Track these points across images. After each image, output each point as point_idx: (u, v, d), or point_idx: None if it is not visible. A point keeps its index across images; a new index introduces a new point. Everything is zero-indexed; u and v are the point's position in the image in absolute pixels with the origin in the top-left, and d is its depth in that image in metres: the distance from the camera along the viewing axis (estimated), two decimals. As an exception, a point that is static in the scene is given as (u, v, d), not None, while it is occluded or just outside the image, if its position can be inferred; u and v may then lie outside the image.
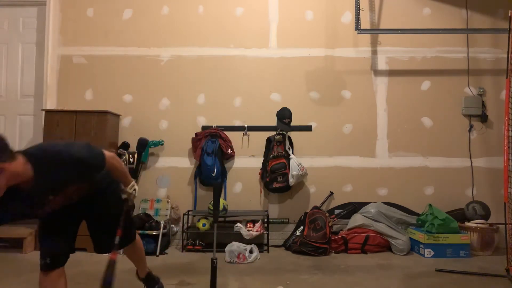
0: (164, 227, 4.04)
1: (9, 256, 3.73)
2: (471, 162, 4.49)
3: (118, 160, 2.12)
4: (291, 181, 4.19)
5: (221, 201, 4.05)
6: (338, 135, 4.53)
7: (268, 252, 4.01)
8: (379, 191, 4.48)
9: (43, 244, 2.06)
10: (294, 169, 4.18)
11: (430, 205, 4.06)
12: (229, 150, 4.40)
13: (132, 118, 4.53)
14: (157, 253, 3.85)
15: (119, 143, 4.45)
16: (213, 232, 4.13)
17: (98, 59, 4.58)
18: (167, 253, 3.97)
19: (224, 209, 4.11)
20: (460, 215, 4.18)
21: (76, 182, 1.95)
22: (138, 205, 4.30)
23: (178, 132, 4.47)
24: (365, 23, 4.56)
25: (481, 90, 4.53)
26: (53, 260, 2.03)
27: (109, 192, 2.23)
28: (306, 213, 4.23)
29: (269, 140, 4.42)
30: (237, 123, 4.53)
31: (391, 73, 4.58)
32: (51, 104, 4.50)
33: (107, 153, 1.99)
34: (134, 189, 2.20)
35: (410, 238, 4.02)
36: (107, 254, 2.18)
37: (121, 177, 2.18)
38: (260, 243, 4.05)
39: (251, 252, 3.69)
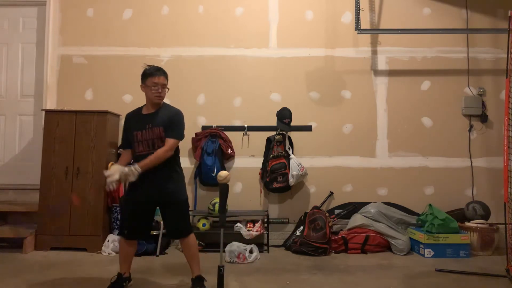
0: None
1: (9, 256, 3.72)
2: (471, 162, 4.49)
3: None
4: (291, 181, 4.19)
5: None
6: (338, 135, 4.53)
7: (268, 252, 4.01)
8: (379, 191, 4.49)
9: None
10: (294, 169, 4.18)
11: (430, 205, 4.06)
12: (229, 150, 4.40)
13: (132, 118, 4.53)
14: (157, 253, 3.84)
15: (119, 143, 4.44)
16: (213, 232, 4.12)
17: (98, 59, 4.58)
18: (167, 253, 3.96)
19: (224, 209, 4.10)
20: (460, 215, 4.18)
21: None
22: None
23: (178, 132, 4.46)
24: (365, 23, 4.56)
25: (481, 90, 4.53)
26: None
27: None
28: (306, 213, 4.24)
29: (269, 140, 4.42)
30: (237, 123, 4.53)
31: (391, 73, 4.59)
32: (51, 104, 4.51)
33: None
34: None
35: (410, 238, 4.02)
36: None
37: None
38: (260, 243, 4.04)
39: (251, 252, 3.69)
